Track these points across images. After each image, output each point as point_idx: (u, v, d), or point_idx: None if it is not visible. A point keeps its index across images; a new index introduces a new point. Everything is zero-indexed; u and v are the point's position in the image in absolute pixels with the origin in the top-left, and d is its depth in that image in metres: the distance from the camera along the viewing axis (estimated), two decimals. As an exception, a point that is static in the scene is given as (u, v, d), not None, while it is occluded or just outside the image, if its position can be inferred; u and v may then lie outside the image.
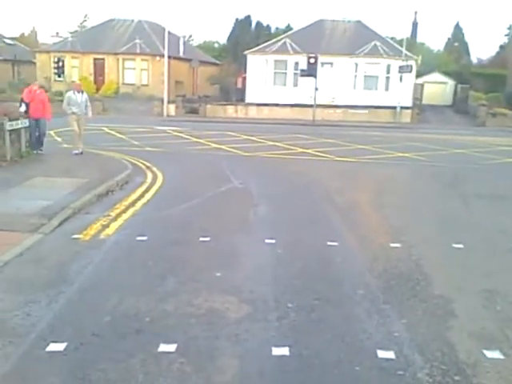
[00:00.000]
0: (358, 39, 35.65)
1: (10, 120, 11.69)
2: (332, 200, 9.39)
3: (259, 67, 35.49)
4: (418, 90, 35.68)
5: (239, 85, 41.71)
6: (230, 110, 34.02)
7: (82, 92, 13.86)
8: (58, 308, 4.55)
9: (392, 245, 6.62)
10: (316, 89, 30.13)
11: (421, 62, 36.59)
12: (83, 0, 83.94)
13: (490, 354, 3.90)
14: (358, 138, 20.78)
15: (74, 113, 13.32)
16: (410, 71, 32.01)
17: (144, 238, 6.61)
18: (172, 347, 3.90)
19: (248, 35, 58.70)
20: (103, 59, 41.38)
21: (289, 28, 54.33)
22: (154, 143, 17.59)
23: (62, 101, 14.46)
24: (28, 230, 6.68)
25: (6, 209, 7.63)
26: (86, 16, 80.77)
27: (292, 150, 16.73)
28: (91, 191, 8.90)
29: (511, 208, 9.28)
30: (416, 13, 55.80)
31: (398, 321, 4.43)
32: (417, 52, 38.70)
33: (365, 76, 34.53)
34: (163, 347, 3.90)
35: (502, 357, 3.87)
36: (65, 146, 13.26)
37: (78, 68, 41.47)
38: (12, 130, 11.69)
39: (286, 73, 35.46)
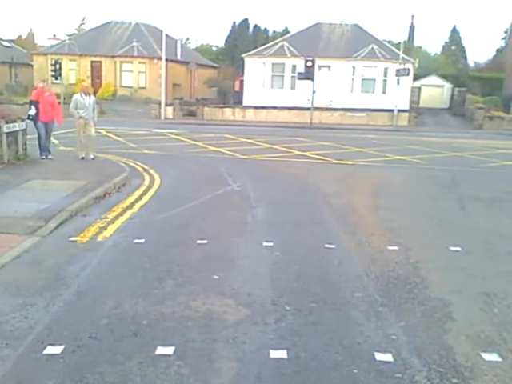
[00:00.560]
0: (356, 42, 35.74)
1: (7, 122, 11.67)
2: (329, 203, 9.39)
3: (257, 70, 35.53)
4: (416, 93, 35.71)
5: (237, 88, 41.81)
6: (228, 113, 34.04)
7: (90, 95, 13.32)
8: (56, 311, 4.53)
9: (389, 247, 6.63)
10: (313, 92, 30.19)
11: (418, 65, 36.72)
12: (81, 3, 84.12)
13: (487, 356, 3.91)
14: (356, 141, 20.81)
15: (81, 117, 12.72)
16: (408, 74, 32.07)
17: (141, 241, 6.60)
18: (169, 350, 3.89)
19: (245, 38, 58.84)
20: (100, 62, 41.44)
21: (286, 31, 54.42)
22: (151, 146, 17.59)
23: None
24: (25, 233, 6.67)
25: (3, 211, 7.62)
26: (83, 19, 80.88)
27: (289, 152, 16.74)
28: (88, 194, 8.89)
29: (508, 211, 9.30)
30: (413, 16, 55.89)
31: (395, 323, 4.44)
32: (414, 55, 38.85)
33: (362, 79, 34.60)
34: (161, 350, 3.89)
35: (499, 359, 3.88)
36: (61, 148, 13.22)
37: (75, 71, 41.51)
38: (9, 133, 11.67)
39: (283, 76, 35.49)
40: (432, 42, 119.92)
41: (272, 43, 37.92)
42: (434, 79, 44.94)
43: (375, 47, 34.87)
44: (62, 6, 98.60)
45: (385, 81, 34.31)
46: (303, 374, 3.64)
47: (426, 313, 4.68)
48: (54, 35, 47.18)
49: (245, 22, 62.77)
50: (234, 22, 63.26)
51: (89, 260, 5.86)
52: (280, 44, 36.45)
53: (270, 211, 8.64)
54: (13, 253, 5.94)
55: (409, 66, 32.86)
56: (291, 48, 35.42)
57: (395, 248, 6.61)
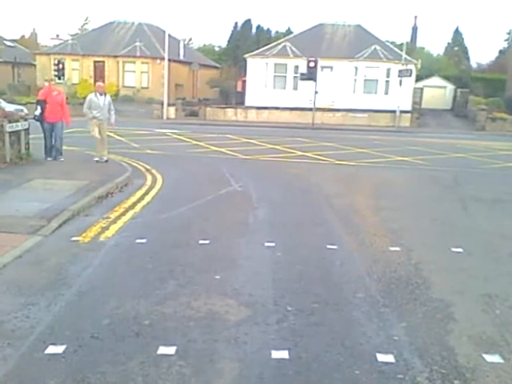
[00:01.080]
0: (358, 43, 35.73)
1: (10, 122, 11.69)
2: (331, 203, 9.39)
3: (259, 71, 35.53)
4: (418, 94, 35.73)
5: (239, 88, 41.84)
6: (230, 113, 34.05)
7: (105, 94, 12.71)
8: (57, 310, 4.54)
9: (391, 248, 6.62)
10: (316, 92, 30.18)
11: (420, 66, 36.70)
12: (84, 3, 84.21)
13: (489, 357, 3.90)
14: (358, 142, 20.81)
15: (95, 117, 12.26)
16: (410, 75, 32.05)
17: (143, 241, 6.60)
18: (171, 350, 3.89)
19: (248, 39, 58.89)
20: (103, 62, 41.48)
21: (289, 32, 54.49)
22: (153, 146, 17.60)
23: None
24: (27, 232, 6.67)
25: (6, 211, 7.63)
26: (86, 19, 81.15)
27: (291, 153, 16.74)
28: (91, 193, 8.90)
29: (511, 212, 9.28)
30: (416, 17, 55.95)
31: (397, 324, 4.43)
32: (416, 56, 38.84)
33: (364, 80, 34.60)
34: (162, 350, 3.89)
35: (501, 361, 3.87)
36: (64, 147, 13.21)
37: (78, 70, 41.56)
38: (12, 132, 11.69)
39: (285, 76, 35.50)
40: (434, 43, 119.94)
41: (274, 44, 37.94)
42: (436, 80, 44.91)
43: (378, 48, 34.86)
44: (64, 5, 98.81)
45: (387, 81, 34.29)
46: (305, 374, 3.63)
47: (428, 314, 4.67)
48: (57, 35, 47.39)
49: (248, 22, 62.86)
50: (237, 23, 63.42)
51: (91, 260, 5.86)
52: (282, 44, 36.46)
53: (271, 212, 8.64)
54: (15, 252, 5.95)
55: (411, 66, 32.85)
56: (294, 48, 35.43)
57: (397, 249, 6.60)
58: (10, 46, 48.17)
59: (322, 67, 33.00)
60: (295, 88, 35.09)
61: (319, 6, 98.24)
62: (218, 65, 51.43)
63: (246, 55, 37.28)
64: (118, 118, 12.59)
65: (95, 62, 41.57)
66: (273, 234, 7.18)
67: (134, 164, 12.96)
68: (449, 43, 63.61)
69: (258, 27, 62.84)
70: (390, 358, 3.85)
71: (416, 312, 4.70)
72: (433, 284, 5.41)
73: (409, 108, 33.29)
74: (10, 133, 11.58)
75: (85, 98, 13.43)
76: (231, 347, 3.97)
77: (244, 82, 38.68)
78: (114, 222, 7.51)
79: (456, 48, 59.75)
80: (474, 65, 60.56)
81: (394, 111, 31.63)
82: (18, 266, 5.62)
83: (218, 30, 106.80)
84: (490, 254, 6.58)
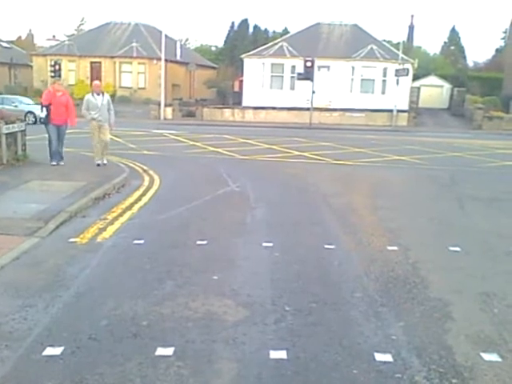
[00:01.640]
0: (355, 43, 35.78)
1: (7, 123, 11.67)
2: (329, 203, 9.39)
3: (256, 71, 35.56)
4: (415, 93, 35.76)
5: (236, 88, 41.82)
6: (227, 114, 34.08)
7: (103, 94, 12.17)
8: (55, 312, 4.53)
9: (389, 248, 6.62)
10: (313, 92, 30.22)
11: (417, 65, 36.75)
12: (80, 3, 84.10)
13: (487, 356, 3.90)
14: (355, 142, 20.83)
15: (93, 119, 11.81)
16: (407, 74, 32.11)
17: (141, 242, 6.60)
18: (169, 351, 3.89)
19: (245, 38, 58.93)
20: (100, 62, 41.48)
21: (286, 31, 54.50)
22: (150, 146, 17.59)
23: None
24: (24, 234, 6.66)
25: (2, 212, 7.61)
26: (82, 19, 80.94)
27: (289, 153, 16.75)
28: (88, 194, 8.89)
29: (508, 210, 9.29)
30: (412, 16, 55.93)
31: (395, 324, 4.43)
32: (413, 55, 38.91)
33: (361, 79, 34.65)
34: (160, 351, 3.89)
35: (499, 359, 3.87)
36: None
37: (74, 71, 41.55)
38: (8, 134, 11.67)
39: (282, 76, 35.54)
40: (431, 42, 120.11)
41: (271, 43, 37.97)
42: (433, 79, 45.00)
43: (374, 47, 34.91)
44: (61, 6, 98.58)
45: (384, 81, 34.35)
46: (303, 374, 3.63)
47: (426, 313, 4.67)
48: (54, 36, 47.32)
49: (244, 22, 62.89)
50: (233, 23, 63.47)
51: (88, 261, 5.85)
52: (279, 44, 36.50)
53: (269, 212, 8.64)
54: (12, 254, 5.94)
55: (408, 66, 32.91)
56: (290, 48, 35.46)
57: (395, 248, 6.61)
58: (6, 47, 48.10)
59: (319, 67, 33.05)
60: (292, 88, 35.13)
61: (316, 5, 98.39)
62: (214, 65, 51.44)
63: (242, 55, 37.31)
64: (115, 119, 12.50)
65: (92, 62, 41.56)
66: (270, 234, 7.18)
67: (131, 165, 12.95)
68: (445, 42, 63.75)
69: (255, 27, 62.90)
70: (387, 358, 3.85)
71: (414, 311, 4.70)
72: (430, 283, 5.41)
73: (406, 107, 33.36)
74: (6, 134, 11.56)
75: (81, 98, 13.26)
76: (229, 348, 3.97)
77: (241, 82, 38.69)
78: (112, 223, 7.50)
79: (452, 47, 59.83)
80: (470, 64, 60.73)
81: (390, 110, 31.68)
82: (16, 268, 5.60)
83: (214, 30, 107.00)
84: (487, 253, 6.59)
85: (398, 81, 31.66)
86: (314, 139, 21.41)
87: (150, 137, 21.38)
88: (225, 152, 16.59)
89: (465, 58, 60.67)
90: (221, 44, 65.85)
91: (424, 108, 38.52)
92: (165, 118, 32.58)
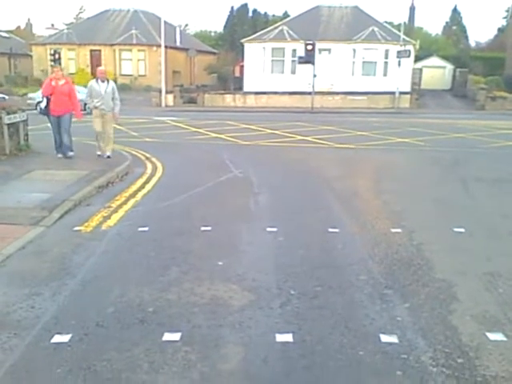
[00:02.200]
0: (356, 25, 35.48)
1: (8, 113, 11.66)
2: (332, 187, 9.38)
3: (257, 55, 35.34)
4: (417, 74, 35.55)
5: (237, 73, 41.64)
6: (228, 99, 33.95)
7: (108, 81, 11.40)
8: (62, 300, 4.56)
9: (393, 230, 6.63)
10: (314, 76, 30.03)
11: (419, 46, 36.49)
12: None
13: (492, 336, 3.92)
14: (357, 125, 20.74)
15: (96, 107, 11.22)
16: (409, 56, 31.87)
17: (145, 229, 6.62)
18: (176, 336, 3.91)
19: (245, 23, 58.51)
20: (100, 50, 41.31)
21: (286, 15, 54.09)
22: (152, 134, 17.57)
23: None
24: (29, 223, 6.68)
25: (7, 202, 7.63)
26: (81, 7, 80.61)
27: (291, 137, 16.70)
28: (91, 183, 8.90)
29: (512, 191, 9.28)
30: (413, -3, 55.42)
31: (400, 305, 4.45)
32: (415, 37, 38.57)
33: (363, 62, 34.42)
34: (167, 336, 3.92)
35: (504, 339, 3.89)
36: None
37: (74, 60, 41.41)
38: (10, 124, 11.66)
39: (283, 60, 35.32)
40: (433, 23, 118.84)
41: (271, 27, 37.68)
42: (435, 60, 44.66)
43: (376, 29, 34.61)
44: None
45: (386, 63, 34.11)
46: (309, 357, 3.66)
47: (431, 294, 4.69)
48: (52, 25, 47.11)
49: (244, 6, 62.39)
50: (233, 7, 62.95)
51: (93, 249, 5.88)
52: (280, 28, 36.22)
53: (272, 197, 8.64)
54: (18, 243, 5.96)
55: (410, 47, 32.65)
56: (291, 32, 35.19)
57: (399, 230, 6.61)
58: (5, 37, 47.91)
59: (320, 50, 32.81)
60: (293, 72, 34.92)
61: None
62: (215, 50, 51.13)
63: (243, 40, 37.06)
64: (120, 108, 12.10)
65: (91, 50, 41.38)
66: (274, 218, 7.19)
67: (134, 153, 12.93)
68: (447, 22, 63.20)
69: (255, 11, 62.40)
70: (393, 339, 3.87)
71: (419, 293, 4.72)
72: (435, 264, 5.42)
73: (408, 89, 33.15)
74: (8, 124, 11.55)
75: (84, 87, 12.96)
76: (236, 332, 4.00)
77: (242, 67, 38.48)
78: (116, 211, 7.52)
79: (454, 27, 59.35)
80: (472, 44, 60.27)
81: (393, 93, 31.50)
82: (21, 257, 5.63)
83: (213, 15, 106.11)
84: (491, 234, 6.59)
85: (399, 62, 31.43)
86: (316, 123, 21.33)
87: (152, 124, 21.34)
88: (227, 138, 16.55)
89: (467, 38, 60.19)
90: (220, 29, 65.45)
91: (426, 89, 38.29)
92: (166, 105, 32.48)
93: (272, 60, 35.45)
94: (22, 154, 11.91)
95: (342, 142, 15.30)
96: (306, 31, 33.97)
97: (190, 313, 4.30)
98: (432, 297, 4.63)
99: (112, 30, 42.32)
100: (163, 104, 32.47)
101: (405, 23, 36.63)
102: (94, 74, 38.63)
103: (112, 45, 40.79)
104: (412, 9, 51.79)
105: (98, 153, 11.71)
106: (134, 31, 40.67)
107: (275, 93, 33.28)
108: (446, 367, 3.52)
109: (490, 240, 6.34)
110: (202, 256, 5.67)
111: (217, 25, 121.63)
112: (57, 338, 3.89)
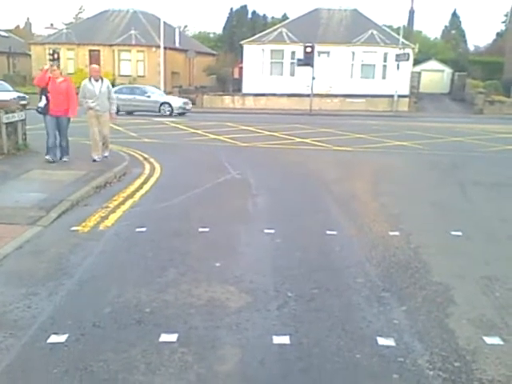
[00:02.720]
0: (355, 28, 35.56)
1: (7, 113, 11.64)
2: (330, 189, 9.39)
3: (256, 57, 35.38)
4: (416, 78, 35.61)
5: (236, 75, 41.63)
6: (227, 101, 33.98)
7: (102, 80, 10.82)
8: (59, 300, 4.55)
9: (391, 233, 6.63)
10: (313, 78, 30.08)
11: (418, 50, 36.56)
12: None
13: (489, 340, 3.92)
14: (356, 127, 20.77)
15: (90, 108, 10.67)
16: (407, 59, 31.94)
17: (143, 230, 6.61)
18: (173, 337, 3.91)
19: (244, 25, 58.54)
20: (99, 51, 41.27)
21: (285, 17, 54.14)
22: (151, 134, 17.56)
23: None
24: (27, 223, 6.67)
25: (4, 202, 7.62)
26: (81, 7, 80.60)
27: (290, 139, 16.71)
28: (89, 183, 8.89)
29: (510, 195, 9.29)
30: (413, 0, 55.60)
31: (397, 308, 4.45)
32: (414, 40, 38.63)
33: (362, 65, 34.48)
34: (164, 337, 3.91)
35: (501, 343, 3.89)
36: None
37: (73, 60, 41.37)
38: (8, 123, 11.64)
39: (282, 62, 35.37)
40: (432, 27, 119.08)
41: (271, 29, 37.74)
42: (433, 64, 44.75)
43: (375, 32, 34.69)
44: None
45: (384, 66, 34.19)
46: (306, 359, 3.66)
47: (428, 297, 4.69)
48: (52, 24, 46.99)
49: (243, 8, 62.41)
50: (232, 9, 62.96)
51: (91, 249, 5.87)
52: (279, 30, 36.27)
53: (270, 198, 8.64)
54: (15, 243, 5.95)
55: (408, 50, 32.72)
56: (290, 34, 35.24)
57: (396, 233, 6.61)
58: (4, 37, 47.87)
59: (319, 52, 32.88)
60: (292, 74, 34.98)
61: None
62: (214, 52, 51.14)
63: (242, 42, 37.11)
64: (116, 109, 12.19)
65: (90, 50, 41.34)
66: (272, 220, 7.19)
67: (132, 153, 12.93)
68: (446, 26, 63.34)
69: (254, 13, 62.43)
70: (390, 342, 3.87)
71: (416, 296, 4.72)
72: (432, 268, 5.42)
73: (406, 92, 33.23)
74: (6, 124, 11.54)
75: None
76: (233, 333, 3.99)
77: (241, 68, 38.51)
78: (113, 211, 7.51)
79: (453, 31, 59.49)
80: (471, 48, 60.42)
81: (391, 96, 31.56)
82: (19, 257, 5.62)
83: (213, 17, 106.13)
84: (489, 237, 6.60)
85: (398, 66, 31.49)
86: (314, 125, 21.35)
87: (151, 125, 21.33)
88: (225, 139, 16.55)
89: (466, 42, 60.33)
90: (219, 30, 65.45)
91: (425, 93, 38.37)
92: (165, 106, 32.41)
93: (271, 62, 35.50)
94: (20, 153, 11.89)
95: (341, 145, 15.31)
96: (305, 33, 34.02)
97: (187, 314, 4.30)
98: (429, 300, 4.63)
99: (111, 30, 42.30)
100: (162, 105, 32.41)
101: (404, 27, 36.68)
102: (92, 74, 38.64)
103: (111, 45, 40.77)
104: (411, 12, 51.92)
105: (94, 157, 10.90)
106: (133, 32, 40.65)
107: (274, 95, 33.33)
108: (443, 371, 3.52)
109: (488, 244, 6.35)
110: (200, 257, 5.66)
111: (216, 26, 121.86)
112: (53, 338, 3.88)
